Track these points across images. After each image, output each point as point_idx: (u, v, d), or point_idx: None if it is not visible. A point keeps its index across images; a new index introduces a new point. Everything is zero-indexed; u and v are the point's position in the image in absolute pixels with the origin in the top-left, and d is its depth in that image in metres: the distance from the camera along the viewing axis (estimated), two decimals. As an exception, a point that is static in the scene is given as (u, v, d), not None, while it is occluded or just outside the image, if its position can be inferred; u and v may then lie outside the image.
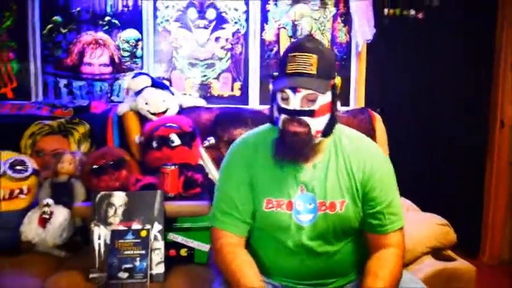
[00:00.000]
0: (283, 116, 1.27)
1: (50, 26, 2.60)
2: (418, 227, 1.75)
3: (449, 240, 1.76)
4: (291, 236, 1.33)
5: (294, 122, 1.25)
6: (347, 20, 2.73)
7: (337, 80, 1.35)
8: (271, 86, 1.33)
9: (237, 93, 2.72)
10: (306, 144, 1.27)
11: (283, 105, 1.26)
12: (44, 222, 1.80)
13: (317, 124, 1.26)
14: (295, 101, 1.24)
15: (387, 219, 1.32)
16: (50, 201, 1.82)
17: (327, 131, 1.29)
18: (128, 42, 2.65)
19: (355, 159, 1.34)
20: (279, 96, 1.27)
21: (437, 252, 1.72)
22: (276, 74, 1.29)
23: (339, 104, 1.33)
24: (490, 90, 3.02)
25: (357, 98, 2.75)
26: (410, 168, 2.91)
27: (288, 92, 1.24)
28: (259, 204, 1.34)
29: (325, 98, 1.26)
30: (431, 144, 3.02)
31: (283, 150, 1.28)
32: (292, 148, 1.26)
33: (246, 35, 2.70)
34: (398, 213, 1.35)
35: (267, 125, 1.41)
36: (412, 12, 2.88)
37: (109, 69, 2.64)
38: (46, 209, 1.80)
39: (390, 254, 1.31)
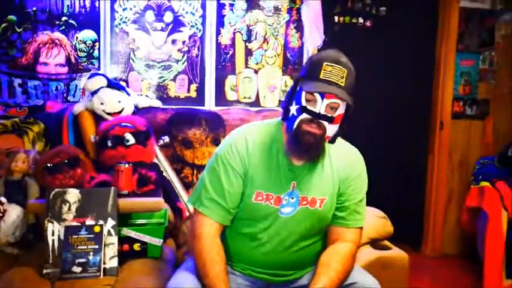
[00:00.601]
0: (304, 116, 1.35)
1: (4, 24, 2.59)
2: (359, 219, 1.89)
3: (386, 232, 1.91)
4: (267, 227, 1.41)
5: (314, 124, 1.34)
6: (299, 26, 2.87)
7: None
8: (294, 85, 1.40)
9: (193, 94, 2.79)
10: (318, 144, 1.37)
11: (309, 107, 1.34)
12: (-3, 220, 1.82)
13: (331, 130, 1.37)
14: (321, 106, 1.33)
15: (352, 215, 1.45)
16: (3, 199, 1.84)
17: (334, 139, 1.41)
18: (84, 42, 2.67)
19: (338, 160, 1.46)
20: (304, 97, 1.34)
21: (375, 242, 1.86)
22: (301, 77, 1.39)
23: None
24: (431, 94, 3.24)
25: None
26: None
27: (317, 96, 1.33)
28: (249, 196, 1.40)
29: (342, 109, 1.36)
30: (377, 144, 3.19)
31: (296, 147, 1.36)
32: (307, 147, 1.35)
33: (202, 38, 2.78)
34: (362, 213, 1.48)
35: (271, 121, 1.49)
36: (361, 20, 3.06)
37: (65, 69, 2.66)
38: (-1, 206, 1.82)
39: (345, 249, 1.42)
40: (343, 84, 1.33)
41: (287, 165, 1.41)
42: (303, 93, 1.35)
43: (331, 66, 1.33)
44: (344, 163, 1.46)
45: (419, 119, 3.23)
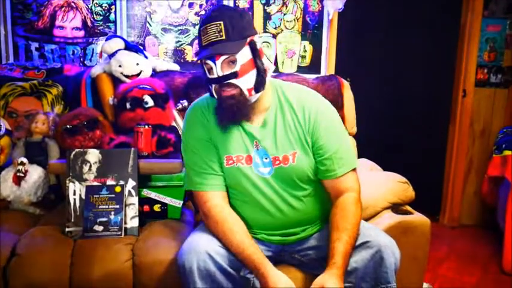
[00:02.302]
0: (213, 86, 1.37)
1: (19, -13, 2.56)
2: (380, 184, 1.86)
3: (408, 197, 1.87)
4: (255, 188, 1.43)
5: (224, 87, 1.34)
6: (319, -11, 2.78)
7: (257, 39, 1.38)
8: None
9: (211, 59, 2.75)
10: (243, 104, 1.36)
11: (210, 76, 1.36)
12: (18, 180, 1.83)
13: (245, 82, 1.34)
14: (217, 69, 1.33)
15: (335, 164, 1.43)
16: (25, 159, 1.85)
17: (258, 86, 1.37)
18: (100, 6, 2.64)
19: (300, 110, 1.43)
20: (205, 69, 1.36)
21: (396, 207, 1.84)
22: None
23: (267, 59, 1.41)
24: (454, 62, 3.15)
25: (328, 66, 2.82)
26: (376, 134, 3.04)
27: (209, 62, 1.33)
28: (222, 162, 1.43)
29: (245, 57, 1.33)
30: (398, 112, 3.15)
31: (225, 116, 1.38)
32: (232, 111, 1.36)
33: (219, 2, 2.71)
34: (347, 157, 1.45)
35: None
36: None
37: (81, 33, 2.63)
38: (20, 167, 1.83)
39: (346, 200, 1.42)
40: (223, 37, 1.30)
41: (243, 128, 1.43)
42: (203, 66, 1.37)
43: (206, 27, 1.32)
44: (308, 114, 1.43)
45: (442, 87, 3.15)
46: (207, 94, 1.48)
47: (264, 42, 2.79)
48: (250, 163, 1.43)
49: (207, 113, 1.46)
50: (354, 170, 1.46)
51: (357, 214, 1.41)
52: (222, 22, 1.31)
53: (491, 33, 3.07)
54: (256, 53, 1.36)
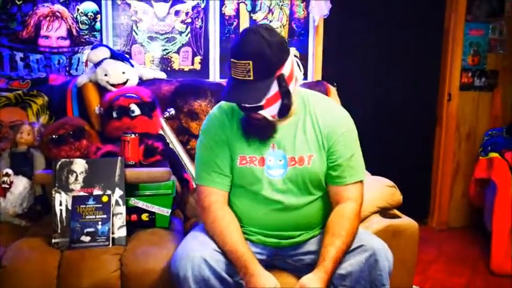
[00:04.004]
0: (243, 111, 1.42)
1: (3, -3, 2.54)
2: (368, 188, 1.84)
3: (395, 201, 1.89)
4: (263, 190, 1.45)
5: (250, 112, 1.39)
6: (305, -4, 2.80)
7: (290, 62, 1.40)
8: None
9: (198, 67, 2.75)
10: (268, 125, 1.42)
11: (239, 105, 1.41)
12: (3, 191, 1.81)
13: (270, 112, 1.39)
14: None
15: (346, 171, 1.46)
16: (9, 170, 1.83)
17: (282, 112, 1.42)
18: (86, 15, 2.62)
19: (321, 116, 1.48)
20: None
21: (384, 212, 1.85)
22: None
23: (298, 69, 1.45)
24: (439, 65, 3.19)
25: (314, 71, 2.84)
26: (364, 138, 3.04)
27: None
28: (234, 161, 1.46)
29: (271, 91, 1.36)
30: (384, 116, 3.17)
31: (250, 131, 1.44)
32: (257, 129, 1.43)
33: (206, 9, 2.72)
34: (357, 167, 1.49)
35: None
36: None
37: (67, 42, 2.61)
38: (5, 178, 1.81)
39: (347, 209, 1.44)
40: (251, 78, 1.31)
41: None
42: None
43: (235, 62, 1.32)
44: (329, 120, 1.48)
45: (427, 90, 3.19)
46: None
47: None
48: (262, 165, 1.46)
49: (230, 116, 1.50)
50: (361, 182, 1.50)
51: (354, 223, 1.42)
52: (250, 62, 1.30)
53: (474, 37, 3.13)
54: (283, 83, 1.37)
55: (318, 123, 1.47)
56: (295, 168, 1.45)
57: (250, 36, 1.32)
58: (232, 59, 1.33)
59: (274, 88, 1.36)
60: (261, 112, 1.38)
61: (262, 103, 1.36)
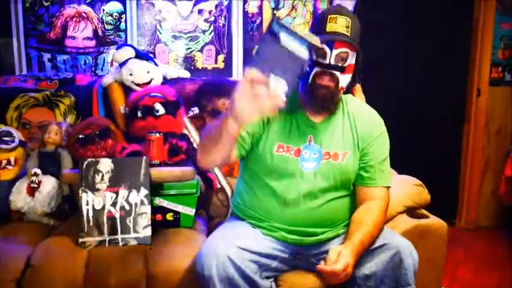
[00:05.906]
0: (316, 69, 1.41)
1: (31, -1, 2.59)
2: (395, 187, 1.81)
3: (423, 200, 1.84)
4: (293, 181, 1.46)
5: (326, 76, 1.40)
6: (329, -9, 2.76)
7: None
8: None
9: (221, 65, 2.75)
10: (333, 97, 1.44)
11: (319, 59, 1.40)
12: (32, 191, 1.84)
13: (344, 80, 1.43)
14: (331, 56, 1.39)
15: (377, 174, 1.50)
16: (38, 170, 1.86)
17: (348, 89, 1.47)
18: (111, 15, 2.65)
19: (359, 118, 1.53)
20: (314, 51, 1.38)
21: (411, 211, 1.81)
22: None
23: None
24: (468, 59, 3.10)
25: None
26: (390, 135, 2.99)
27: (326, 48, 1.38)
28: (271, 147, 1.47)
29: (352, 59, 1.43)
30: (411, 112, 3.10)
31: (311, 101, 1.45)
32: (321, 99, 1.43)
33: (228, 7, 2.71)
34: (387, 173, 1.53)
35: None
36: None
37: (93, 42, 2.65)
38: (34, 178, 1.84)
39: (375, 205, 1.46)
40: (349, 34, 1.39)
41: (304, 121, 1.49)
42: (310, 48, 1.37)
43: (335, 17, 1.39)
44: (366, 122, 1.52)
45: (456, 86, 3.10)
46: None
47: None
48: (298, 156, 1.47)
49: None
50: (388, 189, 1.53)
51: (380, 218, 1.45)
52: (350, 20, 1.40)
53: (505, 30, 3.02)
54: (359, 60, 1.46)
55: (355, 123, 1.51)
56: (328, 163, 1.47)
57: (343, 6, 1.46)
58: (333, 15, 1.39)
59: (353, 59, 1.43)
60: (339, 76, 1.40)
61: (345, 65, 1.39)
